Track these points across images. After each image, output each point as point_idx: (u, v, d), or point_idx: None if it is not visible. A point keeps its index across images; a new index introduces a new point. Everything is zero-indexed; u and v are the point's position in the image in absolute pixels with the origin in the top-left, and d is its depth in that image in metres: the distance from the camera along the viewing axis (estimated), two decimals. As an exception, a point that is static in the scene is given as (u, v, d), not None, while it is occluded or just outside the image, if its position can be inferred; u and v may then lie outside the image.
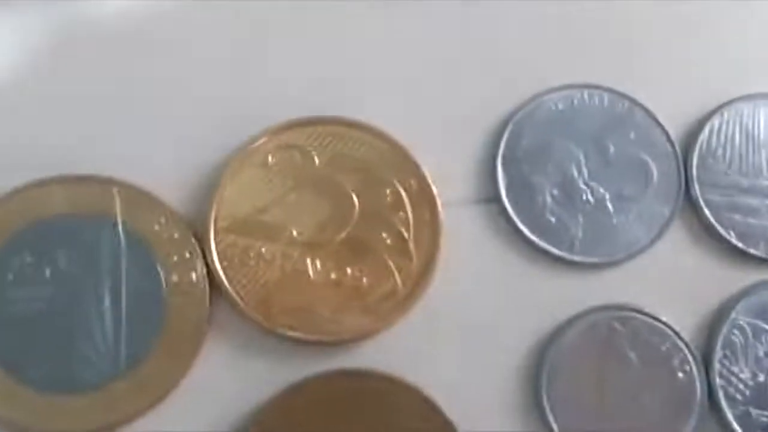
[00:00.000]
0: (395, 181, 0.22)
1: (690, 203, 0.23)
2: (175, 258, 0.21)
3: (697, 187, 0.23)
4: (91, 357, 0.20)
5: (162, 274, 0.20)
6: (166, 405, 0.20)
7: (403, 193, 0.22)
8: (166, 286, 0.20)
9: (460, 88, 0.23)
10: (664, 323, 0.22)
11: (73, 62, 0.22)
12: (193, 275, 0.20)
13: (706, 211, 0.23)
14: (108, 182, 0.21)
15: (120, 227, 0.21)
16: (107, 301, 0.20)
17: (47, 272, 0.20)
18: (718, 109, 0.23)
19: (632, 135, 0.23)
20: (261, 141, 0.22)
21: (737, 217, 0.23)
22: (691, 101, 0.23)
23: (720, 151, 0.23)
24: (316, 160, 0.22)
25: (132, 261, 0.20)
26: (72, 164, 0.21)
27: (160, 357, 0.20)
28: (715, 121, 0.23)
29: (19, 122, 0.22)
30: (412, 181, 0.22)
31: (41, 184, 0.21)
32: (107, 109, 0.22)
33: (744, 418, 0.21)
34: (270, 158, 0.22)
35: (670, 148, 0.23)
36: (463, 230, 0.22)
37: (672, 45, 0.24)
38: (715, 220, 0.22)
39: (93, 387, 0.19)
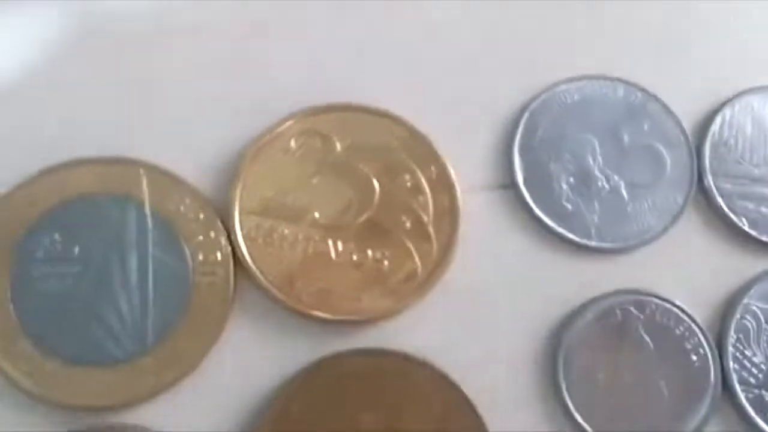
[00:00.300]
0: (415, 167, 0.22)
1: (703, 191, 0.23)
2: (201, 238, 0.21)
3: (709, 176, 0.23)
4: (118, 333, 0.20)
5: (188, 253, 0.21)
6: (190, 381, 0.20)
7: (423, 179, 0.22)
8: (192, 264, 0.21)
9: (478, 76, 0.23)
10: (679, 307, 0.22)
11: (100, 46, 0.23)
12: (218, 254, 0.21)
13: (719, 200, 0.23)
14: (135, 163, 0.21)
15: (147, 207, 0.21)
16: (134, 279, 0.21)
17: (76, 250, 0.21)
18: (729, 100, 0.24)
19: (646, 126, 0.23)
20: (284, 126, 0.22)
21: (749, 205, 0.23)
22: (703, 92, 0.24)
23: (732, 141, 0.24)
24: (338, 146, 0.22)
25: (158, 240, 0.21)
26: (100, 146, 0.22)
27: (185, 334, 0.20)
28: (727, 111, 0.24)
29: (48, 106, 0.22)
30: (432, 167, 0.22)
31: (69, 165, 0.21)
32: (133, 93, 0.22)
33: (757, 402, 0.21)
34: (293, 143, 0.22)
35: (682, 138, 0.23)
36: (481, 215, 0.22)
37: (685, 38, 0.24)
38: (728, 208, 0.23)
39: (119, 362, 0.20)
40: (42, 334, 0.20)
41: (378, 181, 0.22)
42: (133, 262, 0.21)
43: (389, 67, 0.23)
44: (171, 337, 0.20)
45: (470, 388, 0.20)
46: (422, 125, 0.22)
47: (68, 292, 0.20)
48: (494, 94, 0.23)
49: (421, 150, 0.22)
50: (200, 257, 0.21)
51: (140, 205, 0.21)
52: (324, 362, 0.21)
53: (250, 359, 0.21)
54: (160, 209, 0.21)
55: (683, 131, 0.23)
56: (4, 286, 0.20)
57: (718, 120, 0.24)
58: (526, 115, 0.23)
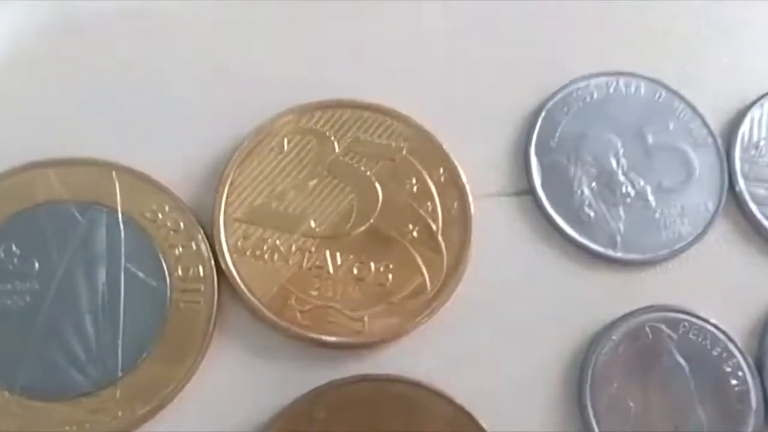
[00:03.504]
0: (422, 170, 0.19)
1: (734, 197, 0.20)
2: (180, 250, 0.18)
3: (741, 180, 0.20)
4: (82, 361, 0.17)
5: (165, 267, 0.17)
6: (167, 415, 0.17)
7: (431, 183, 0.19)
8: (170, 280, 0.17)
9: (491, 73, 0.20)
10: (714, 325, 0.19)
11: (74, 43, 0.20)
12: (200, 269, 0.17)
13: (752, 206, 0.20)
14: (106, 166, 0.18)
15: (119, 215, 0.18)
16: (102, 298, 0.17)
17: (36, 264, 0.17)
18: (758, 99, 0.21)
19: (671, 125, 0.20)
20: (277, 124, 0.19)
21: (785, 211, 0.20)
22: (730, 91, 0.21)
23: (762, 143, 0.21)
24: (336, 146, 0.19)
25: (132, 252, 0.17)
26: (68, 147, 0.18)
27: (160, 361, 0.17)
28: (756, 112, 0.21)
29: (13, 105, 0.19)
30: (441, 170, 0.19)
31: (31, 167, 0.18)
32: (108, 90, 0.19)
33: (803, 429, 0.18)
34: (286, 143, 0.19)
35: (710, 139, 0.20)
36: (495, 224, 0.19)
37: (711, 33, 0.22)
38: (762, 215, 0.20)
39: (84, 393, 0.16)
40: (-6, 361, 0.17)
41: (381, 185, 0.19)
42: (101, 277, 0.17)
43: (394, 63, 0.20)
44: (144, 364, 0.17)
45: (486, 419, 0.17)
46: (430, 125, 0.19)
47: (25, 312, 0.17)
48: (509, 92, 0.20)
49: (428, 151, 0.19)
50: (179, 272, 0.17)
51: (112, 212, 0.18)
52: (322, 391, 0.17)
53: (237, 388, 0.17)
54: (135, 217, 0.18)
55: (710, 131, 0.21)
56: (-49, 304, 0.17)
57: (747, 120, 0.21)
58: (543, 114, 0.20)
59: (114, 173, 0.18)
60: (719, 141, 0.21)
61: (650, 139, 0.20)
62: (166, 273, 0.17)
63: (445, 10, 0.21)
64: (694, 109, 0.21)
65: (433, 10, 0.21)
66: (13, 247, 0.17)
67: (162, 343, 0.17)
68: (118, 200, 0.18)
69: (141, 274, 0.17)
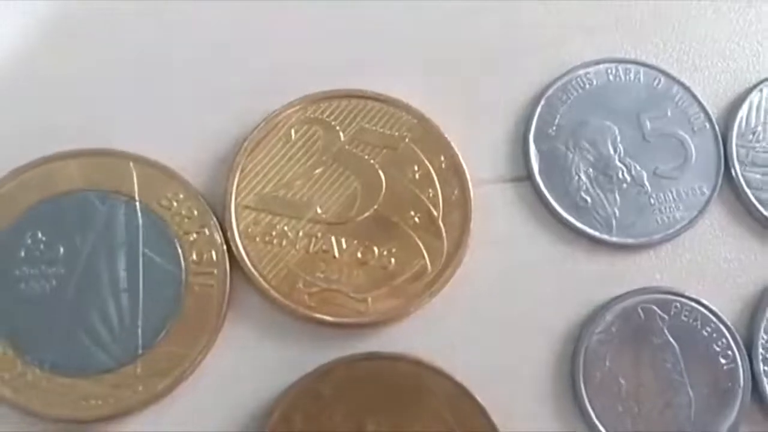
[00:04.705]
0: (423, 158, 0.20)
1: (730, 181, 0.20)
2: (195, 235, 0.18)
3: (737, 165, 0.20)
4: (105, 339, 0.18)
5: (180, 251, 0.18)
6: (183, 391, 0.18)
7: (432, 170, 0.19)
8: (185, 265, 0.18)
9: (491, 61, 0.21)
10: (705, 306, 0.19)
11: (89, 37, 0.20)
12: (213, 253, 0.18)
13: (747, 190, 0.20)
14: (124, 156, 0.19)
15: (137, 203, 0.18)
16: (123, 281, 0.18)
17: (61, 250, 0.18)
18: (757, 84, 0.21)
19: (669, 111, 0.21)
20: (284, 115, 0.19)
21: (780, 196, 0.20)
22: (729, 77, 0.21)
23: (760, 128, 0.21)
24: (342, 136, 0.20)
25: (149, 238, 0.18)
26: (87, 139, 0.19)
27: (177, 340, 0.18)
28: (755, 97, 0.21)
29: (31, 98, 0.19)
30: (442, 158, 0.19)
31: (55, 158, 0.19)
32: (122, 81, 0.20)
33: (790, 407, 0.19)
34: (293, 133, 0.19)
35: (708, 125, 0.21)
36: (494, 209, 0.20)
37: (709, 19, 0.22)
38: (756, 200, 0.20)
39: (107, 370, 0.17)
40: (23, 339, 0.17)
41: (384, 173, 0.19)
42: (122, 262, 0.18)
43: (396, 52, 0.20)
44: (162, 343, 0.18)
45: (483, 395, 0.18)
46: (431, 113, 0.20)
47: (52, 294, 0.18)
48: (508, 80, 0.20)
49: (430, 139, 0.20)
50: (194, 256, 0.18)
51: (130, 201, 0.18)
52: (329, 368, 0.18)
53: (248, 365, 0.18)
54: (152, 205, 0.18)
55: (709, 117, 0.21)
56: (-18, 288, 0.18)
57: (745, 106, 0.21)
58: (542, 102, 0.20)
59: (131, 164, 0.19)
60: (717, 126, 0.21)
61: (648, 126, 0.21)
62: (182, 258, 0.18)
63: (444, 2, 0.21)
64: (692, 94, 0.21)
65: (433, 3, 0.21)
66: (39, 234, 0.18)
67: (178, 324, 0.18)
68: (136, 189, 0.18)
69: (158, 259, 0.18)
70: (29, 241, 0.18)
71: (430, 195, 0.19)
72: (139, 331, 0.18)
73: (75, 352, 0.17)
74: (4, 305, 0.18)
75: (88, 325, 0.18)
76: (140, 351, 0.17)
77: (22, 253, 0.18)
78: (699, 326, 0.19)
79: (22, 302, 0.18)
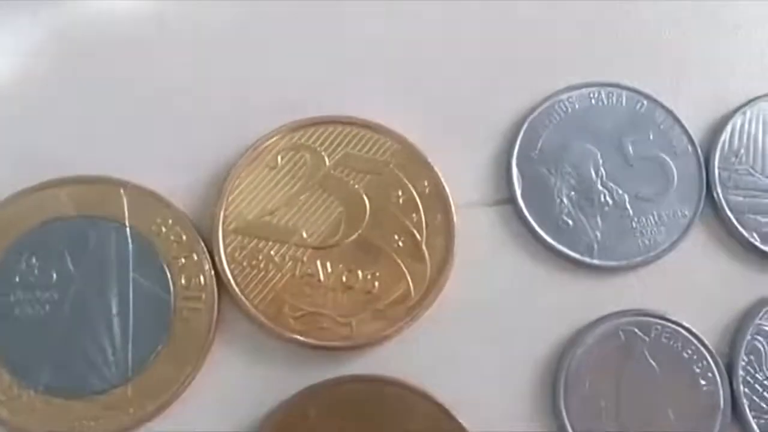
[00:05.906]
0: (407, 182, 0.20)
1: (712, 204, 0.20)
2: (183, 261, 0.19)
3: (719, 187, 0.20)
4: (97, 362, 0.18)
5: (169, 276, 0.19)
6: (173, 411, 0.18)
7: (416, 195, 0.20)
8: (174, 289, 0.18)
9: (474, 86, 0.21)
10: (686, 328, 0.19)
11: (78, 64, 0.20)
12: (201, 278, 0.19)
13: (729, 213, 0.20)
14: (115, 183, 0.19)
15: (128, 229, 0.19)
16: (114, 305, 0.18)
17: (54, 275, 0.18)
18: (740, 107, 0.21)
19: (651, 135, 0.21)
20: (270, 141, 0.20)
21: (761, 218, 0.20)
22: (712, 100, 0.21)
23: (743, 151, 0.21)
24: (327, 161, 0.20)
25: (139, 263, 0.19)
26: (79, 166, 0.19)
27: (167, 362, 0.18)
28: (738, 120, 0.21)
29: (25, 125, 0.20)
30: (425, 182, 0.20)
31: (48, 185, 0.19)
32: (113, 110, 0.20)
33: (769, 428, 0.19)
34: (279, 159, 0.20)
35: (690, 148, 0.21)
36: (477, 233, 0.20)
37: (693, 42, 0.22)
38: (738, 222, 0.20)
39: (99, 392, 0.18)
40: (19, 362, 0.18)
41: (369, 198, 0.20)
42: (113, 287, 0.18)
43: (380, 78, 0.21)
44: (152, 366, 0.18)
45: (465, 417, 0.18)
46: (415, 138, 0.20)
47: (46, 319, 0.18)
48: (491, 105, 0.20)
49: (413, 164, 0.20)
50: (182, 281, 0.19)
51: (121, 227, 0.19)
52: (314, 390, 0.18)
53: (235, 387, 0.18)
54: (142, 231, 0.19)
55: (691, 140, 0.21)
56: (-21, 312, 0.18)
57: (728, 128, 0.21)
58: (525, 125, 0.20)
59: (122, 190, 0.19)
60: (699, 149, 0.21)
61: (630, 149, 0.21)
62: (171, 282, 0.19)
63: (427, 26, 0.21)
64: (675, 117, 0.21)
65: (416, 27, 0.21)
66: (33, 260, 0.19)
67: (168, 347, 0.18)
68: (126, 215, 0.19)
69: (148, 284, 0.19)
70: (23, 267, 0.18)
71: (414, 219, 0.20)
72: (130, 354, 0.18)
73: (69, 374, 0.18)
74: (3, 331, 0.18)
75: (81, 349, 0.18)
76: (131, 374, 0.18)
77: (17, 278, 0.18)
78: (680, 348, 0.19)
79: (17, 326, 0.18)
